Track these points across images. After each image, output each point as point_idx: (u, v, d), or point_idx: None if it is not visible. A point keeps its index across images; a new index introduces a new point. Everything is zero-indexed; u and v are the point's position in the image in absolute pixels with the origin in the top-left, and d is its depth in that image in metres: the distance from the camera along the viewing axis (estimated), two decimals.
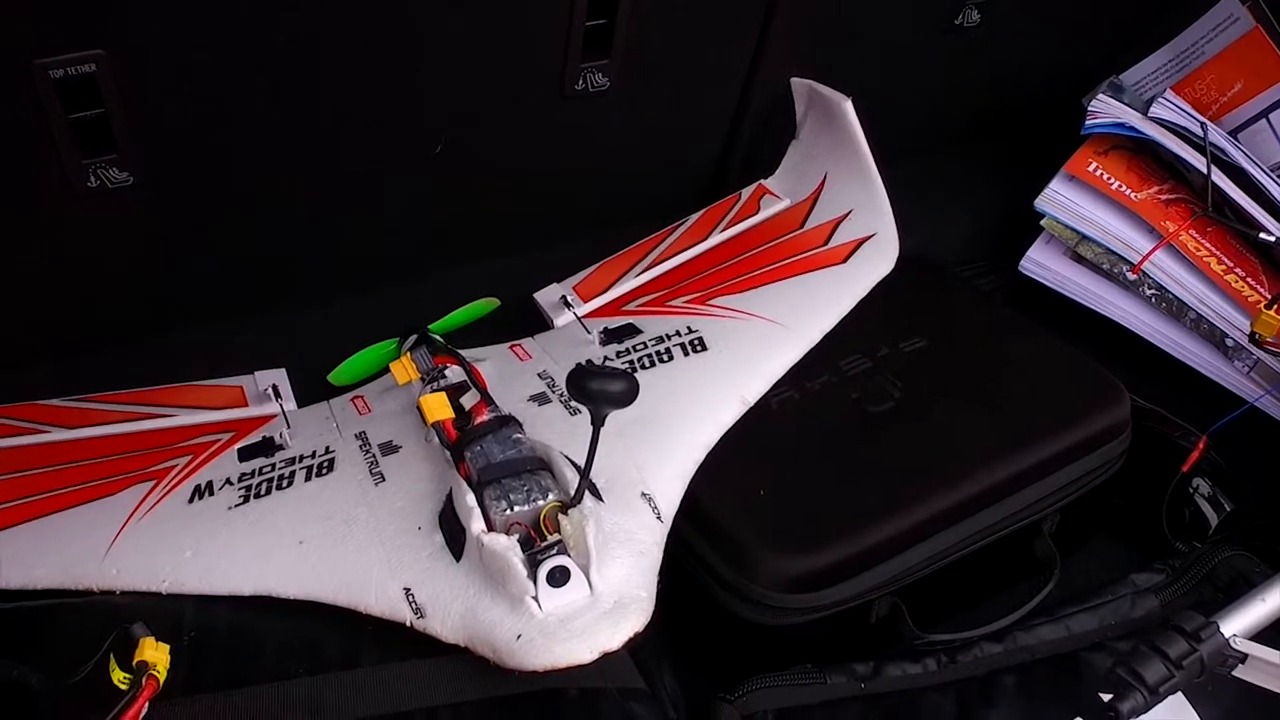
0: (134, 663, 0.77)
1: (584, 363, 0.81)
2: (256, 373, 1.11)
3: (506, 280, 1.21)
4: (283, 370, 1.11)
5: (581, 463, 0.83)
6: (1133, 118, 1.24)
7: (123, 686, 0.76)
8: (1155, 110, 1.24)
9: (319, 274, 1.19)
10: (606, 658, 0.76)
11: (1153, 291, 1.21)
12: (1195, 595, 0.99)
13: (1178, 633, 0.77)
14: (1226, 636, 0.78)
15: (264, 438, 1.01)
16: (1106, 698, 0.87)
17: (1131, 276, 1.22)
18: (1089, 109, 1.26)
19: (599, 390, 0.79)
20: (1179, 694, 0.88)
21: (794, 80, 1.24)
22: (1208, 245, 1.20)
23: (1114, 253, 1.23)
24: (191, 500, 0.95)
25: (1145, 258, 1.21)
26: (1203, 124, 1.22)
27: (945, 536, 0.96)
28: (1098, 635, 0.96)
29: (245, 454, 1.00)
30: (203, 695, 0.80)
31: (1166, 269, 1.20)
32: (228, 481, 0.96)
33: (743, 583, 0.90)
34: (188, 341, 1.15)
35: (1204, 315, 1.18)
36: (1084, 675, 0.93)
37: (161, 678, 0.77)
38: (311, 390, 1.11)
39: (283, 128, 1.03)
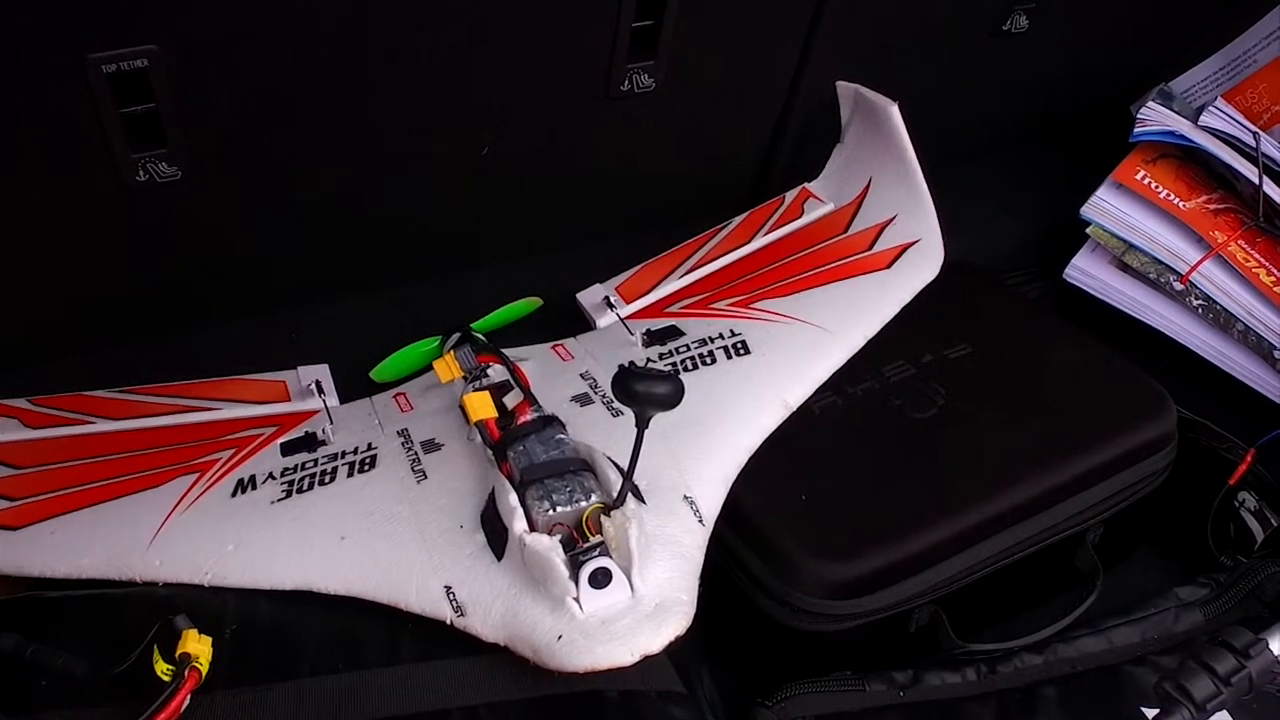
0: (177, 654, 0.78)
1: (628, 364, 0.81)
2: (300, 368, 1.11)
3: (550, 280, 1.21)
4: (325, 366, 1.11)
5: (624, 464, 0.83)
6: (1182, 126, 1.23)
7: (166, 678, 0.77)
8: (1205, 119, 1.23)
9: (363, 270, 1.19)
10: (646, 661, 0.76)
11: (1200, 302, 1.20)
12: (1240, 611, 0.97)
13: (1226, 649, 0.76)
14: (1276, 654, 0.77)
15: (307, 433, 1.02)
16: (1149, 713, 0.87)
17: (1179, 287, 1.20)
18: (1138, 116, 1.25)
19: (644, 392, 0.79)
20: (1224, 713, 0.87)
21: (840, 84, 1.23)
22: (1257, 256, 1.19)
23: (1161, 262, 1.21)
24: (235, 494, 0.95)
25: (1193, 268, 1.19)
26: (1255, 133, 1.20)
27: (987, 546, 0.95)
28: (1140, 649, 0.95)
29: (288, 449, 1.00)
30: (244, 688, 0.80)
31: (1215, 280, 1.19)
32: (270, 476, 0.97)
33: (783, 588, 0.90)
34: (232, 335, 1.16)
35: (1252, 327, 1.17)
36: (1126, 689, 0.91)
37: (204, 670, 0.77)
38: (354, 386, 1.11)
39: (330, 124, 1.04)
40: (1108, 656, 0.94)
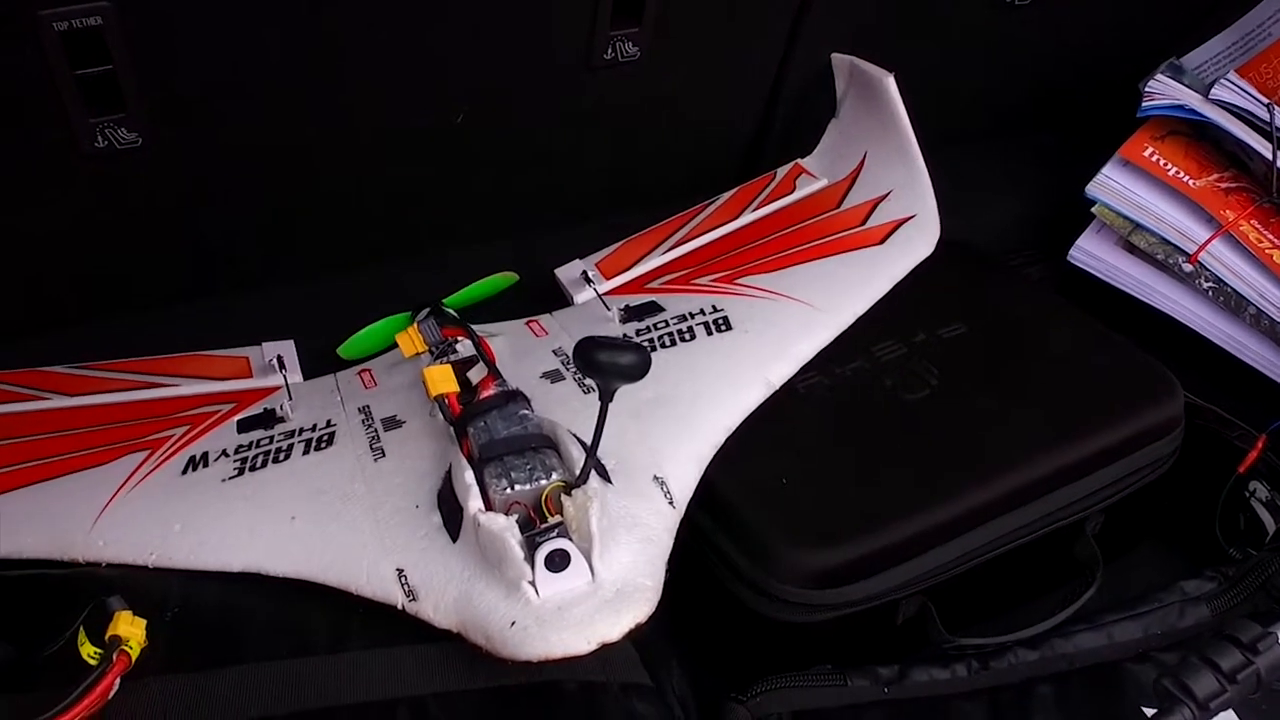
0: (107, 637, 0.74)
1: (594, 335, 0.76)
2: (264, 344, 1.07)
3: (530, 258, 1.17)
4: (290, 342, 1.07)
5: (590, 441, 0.78)
6: (1193, 99, 1.17)
7: (92, 661, 0.73)
8: (1217, 92, 1.17)
9: (333, 245, 1.15)
10: (608, 650, 0.72)
11: (1210, 284, 1.14)
12: (1250, 605, 0.92)
13: (1232, 643, 0.70)
14: None
15: (265, 409, 0.98)
16: (1150, 713, 0.82)
17: (1188, 268, 1.15)
18: (1146, 90, 1.20)
19: (608, 362, 0.74)
20: (1230, 712, 0.82)
21: (835, 56, 1.19)
22: (1270, 236, 1.13)
23: (1169, 242, 1.16)
24: (185, 471, 0.92)
25: (1202, 247, 1.14)
26: (1269, 106, 1.15)
27: (980, 534, 0.90)
28: (1142, 645, 0.90)
29: (244, 425, 0.96)
30: (180, 675, 0.76)
31: (1225, 260, 1.13)
32: (224, 453, 0.93)
33: (760, 576, 0.85)
34: (197, 310, 1.12)
35: (1264, 310, 1.11)
36: (1126, 687, 0.87)
37: (134, 654, 0.73)
38: (323, 364, 1.07)
39: (296, 91, 1.00)
40: (1107, 653, 0.90)
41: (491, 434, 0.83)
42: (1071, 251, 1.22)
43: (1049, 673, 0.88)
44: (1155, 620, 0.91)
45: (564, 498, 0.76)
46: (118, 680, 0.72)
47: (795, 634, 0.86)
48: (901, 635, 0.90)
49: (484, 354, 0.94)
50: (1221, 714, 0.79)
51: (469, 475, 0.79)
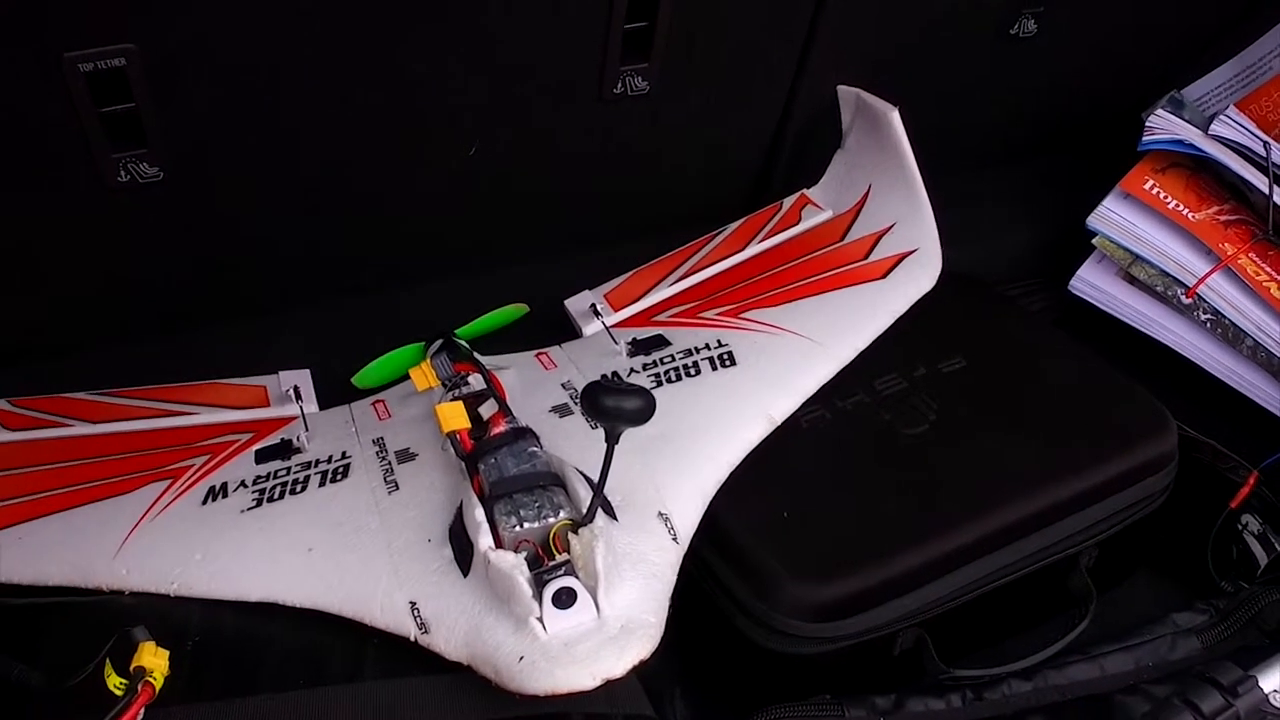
0: (132, 668, 0.76)
1: (603, 376, 0.78)
2: (280, 373, 1.09)
3: (540, 286, 1.19)
4: (306, 371, 1.10)
5: (596, 479, 0.81)
6: (1192, 135, 1.19)
7: (118, 692, 0.75)
8: (1216, 128, 1.19)
9: (347, 273, 1.17)
10: (613, 684, 0.74)
11: (1208, 316, 1.16)
12: (1240, 639, 0.94)
13: (1213, 686, 0.73)
14: (1266, 692, 0.74)
15: (282, 440, 1.00)
16: None
17: (1186, 300, 1.17)
18: (1147, 124, 1.22)
19: (614, 407, 0.77)
20: None
21: (841, 88, 1.20)
22: (1268, 270, 1.15)
23: (1169, 274, 1.18)
24: (205, 501, 0.94)
25: (1201, 280, 1.16)
26: (1266, 143, 1.16)
27: (976, 567, 0.92)
28: (1133, 677, 0.92)
29: (262, 456, 0.99)
30: (201, 704, 0.78)
31: (1224, 293, 1.15)
32: (242, 484, 0.95)
33: (762, 609, 0.88)
34: (214, 338, 1.14)
35: (1262, 343, 1.13)
36: (1116, 719, 0.88)
37: (158, 684, 0.76)
38: (337, 390, 1.10)
39: (314, 126, 1.02)
40: (1099, 684, 0.91)
41: (501, 471, 0.85)
42: (1072, 282, 1.24)
43: (1042, 704, 0.90)
44: (1147, 652, 0.93)
45: (571, 536, 0.79)
46: (142, 710, 0.75)
47: (796, 665, 0.89)
48: (898, 666, 0.92)
49: (495, 392, 0.97)
50: None
51: (479, 513, 0.81)
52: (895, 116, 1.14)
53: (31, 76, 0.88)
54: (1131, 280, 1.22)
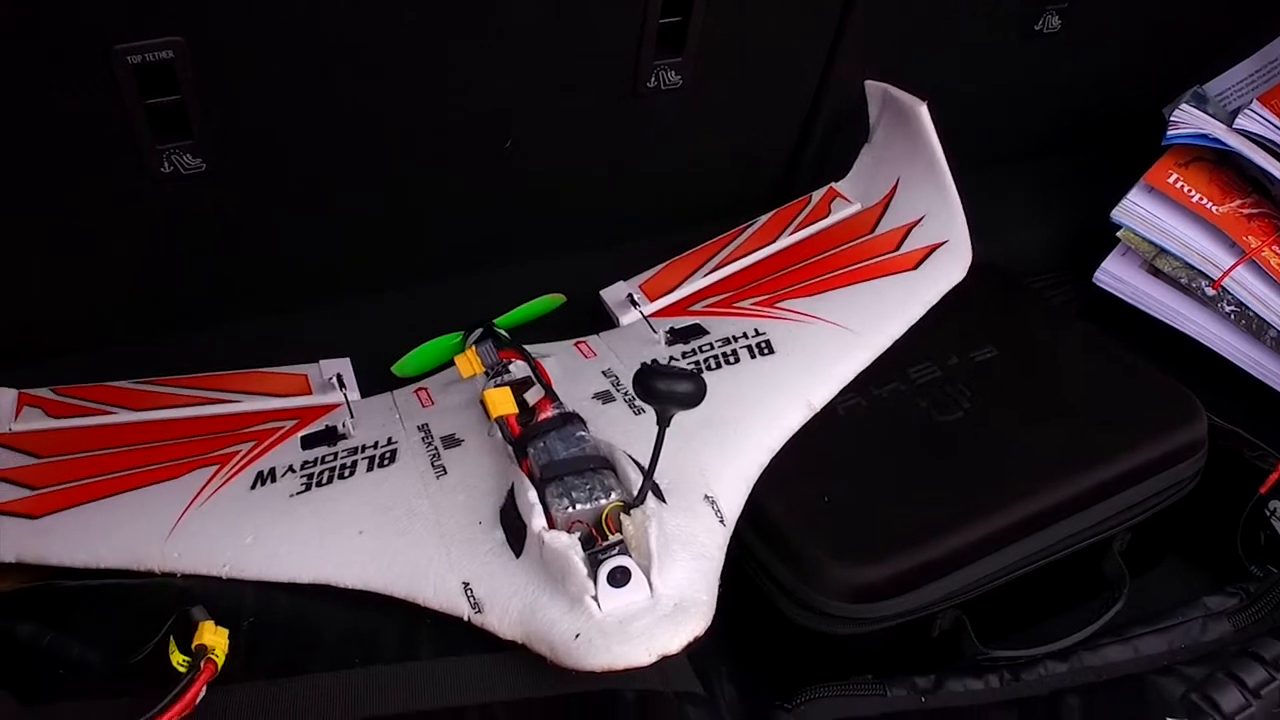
0: (193, 646, 0.77)
1: (650, 362, 0.80)
2: (321, 361, 1.11)
3: (574, 278, 1.21)
4: (347, 360, 1.11)
5: (645, 462, 0.82)
6: (1216, 129, 1.21)
7: (181, 669, 0.77)
8: (1241, 122, 1.21)
9: (387, 265, 1.19)
10: (664, 661, 0.75)
11: (1232, 308, 1.18)
12: (1270, 621, 0.95)
13: (1256, 660, 0.75)
14: None
15: (327, 426, 1.01)
16: None
17: (1210, 292, 1.19)
18: (1170, 119, 1.23)
19: (666, 390, 0.78)
20: None
21: (868, 83, 1.22)
22: None
23: (1193, 267, 1.20)
24: (254, 486, 0.95)
25: (1226, 273, 1.18)
26: None
27: (1012, 551, 0.93)
28: (1167, 658, 0.93)
29: (308, 442, 1.00)
30: (259, 681, 0.80)
31: (1248, 285, 1.17)
32: (290, 469, 0.96)
33: (805, 591, 0.89)
34: (252, 331, 1.16)
35: None
36: (1151, 699, 0.90)
37: (220, 662, 0.77)
38: (375, 380, 1.11)
39: (355, 119, 1.04)
40: (1133, 666, 0.93)
41: (551, 455, 0.87)
42: (1097, 274, 1.26)
43: (1077, 684, 0.91)
44: (1179, 635, 0.95)
45: (623, 517, 0.80)
46: (204, 687, 0.76)
47: (837, 646, 0.90)
48: (937, 647, 0.93)
49: (540, 377, 0.98)
50: None
51: (532, 494, 0.83)
52: (924, 110, 1.15)
53: (81, 68, 0.89)
54: (1155, 273, 1.24)
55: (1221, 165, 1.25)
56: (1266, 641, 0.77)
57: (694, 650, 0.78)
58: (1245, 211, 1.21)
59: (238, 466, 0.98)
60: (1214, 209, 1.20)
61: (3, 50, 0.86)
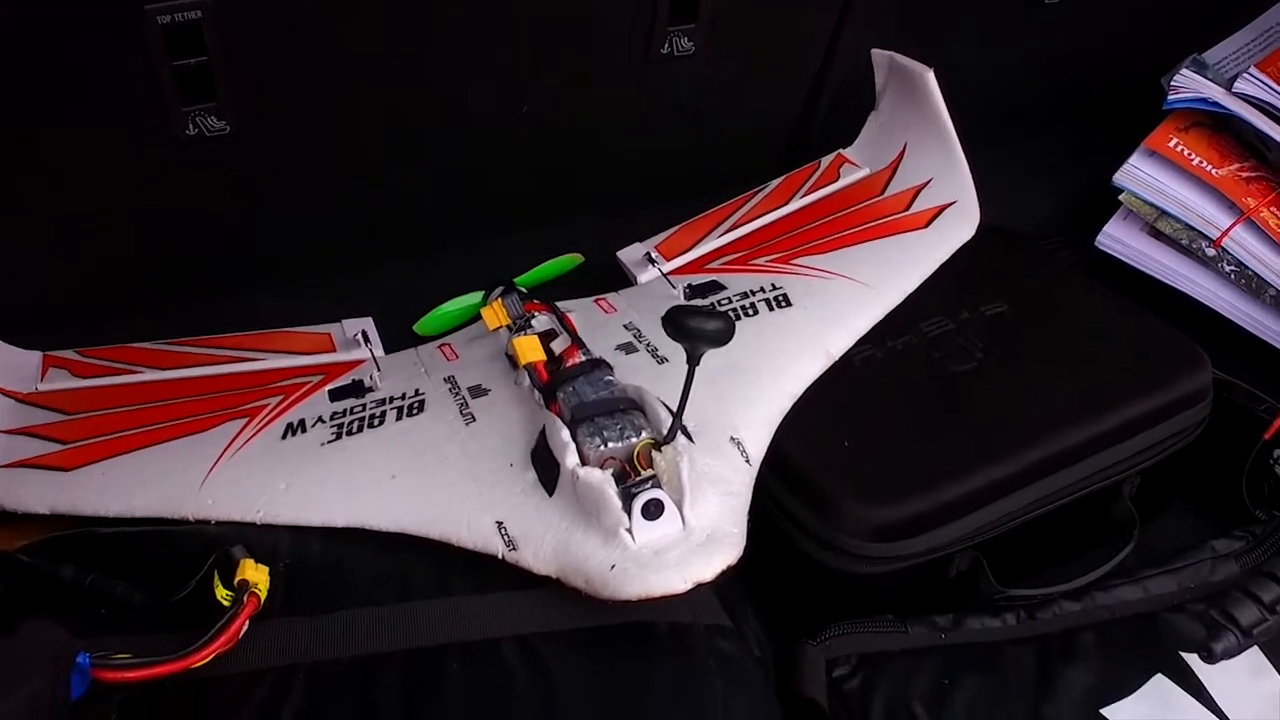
0: (235, 581, 0.79)
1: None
2: (344, 321, 1.12)
3: (588, 242, 1.23)
4: (369, 319, 1.13)
5: (673, 405, 0.84)
6: (1216, 93, 1.24)
7: (226, 603, 0.78)
8: (1240, 85, 1.24)
9: (407, 229, 1.21)
10: (695, 595, 0.77)
11: (1232, 268, 1.21)
12: (1276, 562, 0.98)
13: (1271, 579, 0.77)
14: None
15: (354, 380, 1.03)
16: (1187, 657, 0.89)
17: (1210, 252, 1.21)
18: (1172, 84, 1.27)
19: (696, 328, 0.80)
20: (1259, 653, 0.88)
21: (875, 51, 1.24)
22: None
23: (1193, 228, 1.23)
24: (285, 436, 0.97)
25: (1225, 233, 1.21)
26: None
27: (1026, 494, 0.96)
28: (1177, 598, 0.95)
29: (336, 395, 1.01)
30: (299, 617, 0.81)
31: (1246, 245, 1.20)
32: (320, 420, 0.98)
33: (827, 531, 0.91)
34: (272, 294, 1.17)
35: None
36: (1163, 635, 0.92)
37: (262, 596, 0.79)
38: (397, 341, 1.12)
39: (376, 85, 1.06)
40: (1145, 605, 0.95)
41: (580, 397, 0.89)
42: (1099, 237, 1.29)
43: (1091, 622, 0.93)
44: (1189, 575, 0.97)
45: (654, 454, 0.82)
46: (247, 621, 0.78)
47: (858, 585, 0.93)
48: (955, 587, 0.96)
49: (566, 326, 1.01)
50: (1253, 657, 0.87)
51: (565, 434, 0.84)
52: (930, 77, 1.18)
53: (111, 26, 0.91)
54: (1156, 235, 1.26)
55: (1220, 130, 1.28)
56: (1262, 581, 0.79)
57: (721, 590, 0.81)
58: (1244, 174, 1.24)
59: (268, 419, 0.99)
60: (1213, 171, 1.23)
61: (35, 12, 0.88)
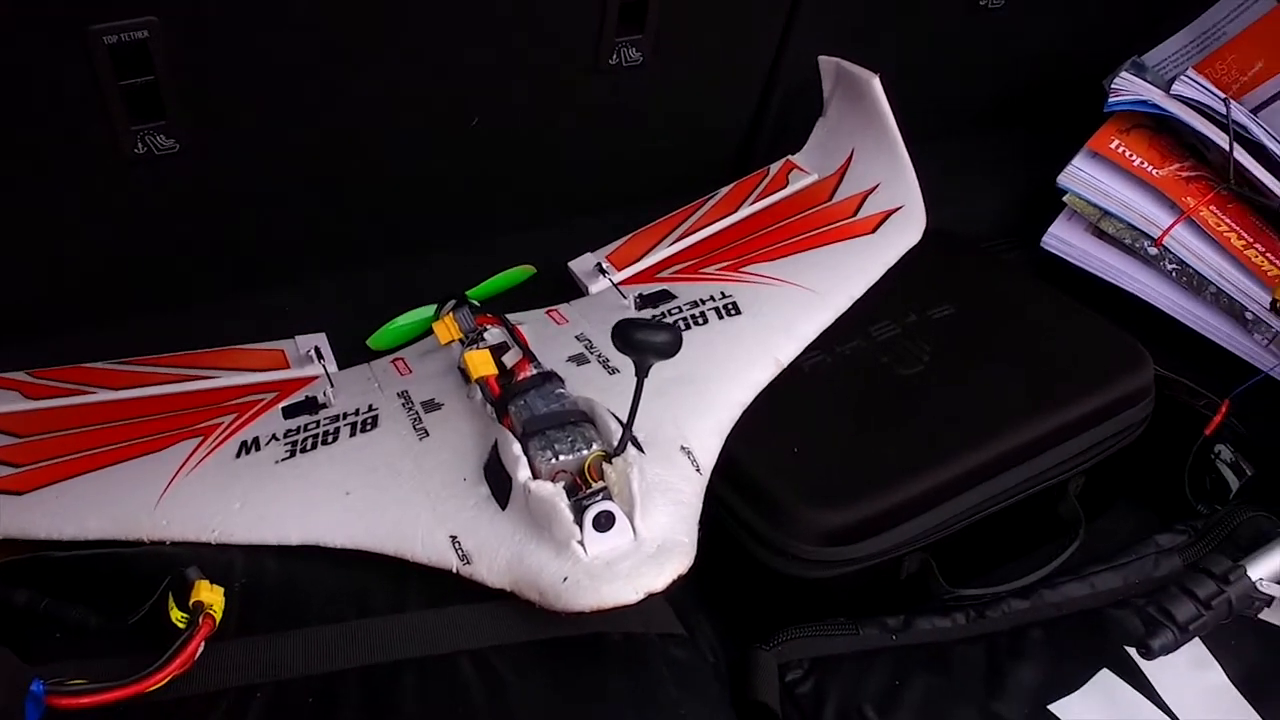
0: (190, 603, 0.79)
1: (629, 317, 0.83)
2: (297, 337, 1.13)
3: (539, 252, 1.24)
4: (323, 334, 1.13)
5: (623, 416, 0.85)
6: (1155, 95, 1.26)
7: (181, 625, 0.79)
8: (1178, 88, 1.26)
9: (356, 244, 1.21)
10: (648, 604, 0.78)
11: (1173, 266, 1.23)
12: (1213, 558, 1.00)
13: (1207, 575, 0.79)
14: (1253, 579, 0.81)
15: (307, 397, 1.03)
16: (1131, 651, 0.91)
17: (1153, 251, 1.24)
18: (1112, 87, 1.29)
19: (644, 341, 0.81)
20: (1201, 646, 0.91)
21: (822, 58, 1.26)
22: (1228, 221, 1.22)
23: (1135, 228, 1.25)
24: (239, 455, 0.97)
25: (1166, 232, 1.23)
26: (1225, 100, 1.24)
27: (973, 494, 0.97)
28: (1122, 593, 0.97)
29: (290, 412, 1.02)
30: (256, 636, 0.82)
31: (1187, 244, 1.22)
32: (274, 437, 0.98)
33: (777, 537, 0.92)
34: (224, 310, 1.17)
35: (1224, 289, 1.20)
36: (1110, 630, 0.94)
37: (218, 617, 0.79)
38: (349, 357, 1.13)
39: (324, 99, 1.06)
40: (1091, 600, 0.97)
41: (532, 411, 0.89)
42: (1044, 238, 1.31)
43: (1040, 619, 0.95)
44: (1133, 571, 0.99)
45: (605, 465, 0.83)
46: (203, 642, 0.78)
47: (810, 589, 0.94)
48: (905, 589, 0.97)
49: (518, 339, 1.01)
50: (1192, 650, 0.89)
51: (516, 448, 0.85)
52: (876, 83, 1.19)
53: (56, 47, 0.91)
54: (1100, 235, 1.28)
55: (1161, 131, 1.30)
56: (1216, 558, 0.82)
57: (674, 598, 0.82)
58: (1184, 174, 1.26)
59: (221, 438, 0.99)
60: (1154, 172, 1.26)
61: None
